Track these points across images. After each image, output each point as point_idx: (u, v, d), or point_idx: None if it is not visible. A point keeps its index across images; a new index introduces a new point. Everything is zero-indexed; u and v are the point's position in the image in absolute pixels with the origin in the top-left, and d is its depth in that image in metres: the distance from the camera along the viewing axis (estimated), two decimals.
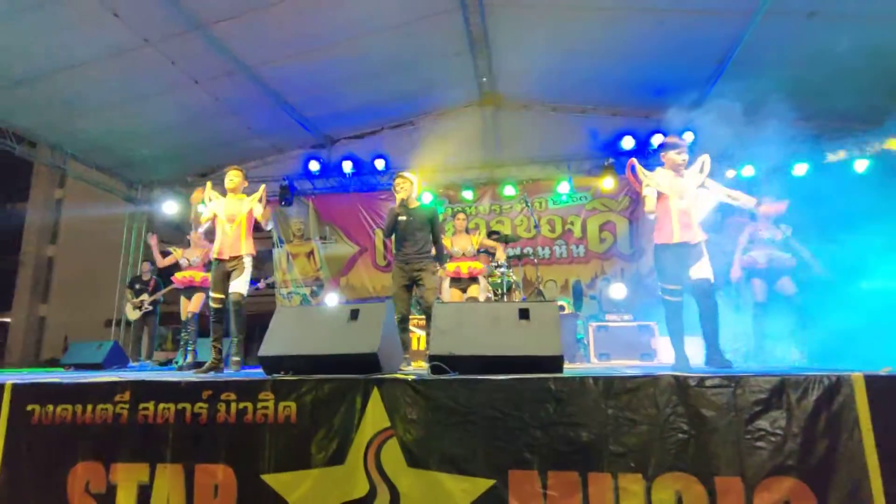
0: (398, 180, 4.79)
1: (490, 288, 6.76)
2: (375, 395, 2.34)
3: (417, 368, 4.22)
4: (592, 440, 2.16)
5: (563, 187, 9.83)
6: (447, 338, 2.68)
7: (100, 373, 4.88)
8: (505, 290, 6.80)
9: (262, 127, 9.60)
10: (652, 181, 3.72)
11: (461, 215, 5.94)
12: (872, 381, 2.02)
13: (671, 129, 9.53)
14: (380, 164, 9.88)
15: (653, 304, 6.15)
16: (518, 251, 9.56)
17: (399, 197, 4.67)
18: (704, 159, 3.70)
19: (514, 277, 7.02)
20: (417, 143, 10.31)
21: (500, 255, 5.89)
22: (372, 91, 9.29)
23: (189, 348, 5.57)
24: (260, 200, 4.50)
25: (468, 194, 10.05)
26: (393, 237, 4.80)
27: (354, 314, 2.80)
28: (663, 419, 2.13)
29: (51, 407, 2.59)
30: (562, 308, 6.45)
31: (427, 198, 9.77)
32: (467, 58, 8.92)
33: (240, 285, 4.25)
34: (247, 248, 4.35)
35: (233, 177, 4.55)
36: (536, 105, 10.21)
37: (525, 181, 10.00)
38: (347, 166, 9.97)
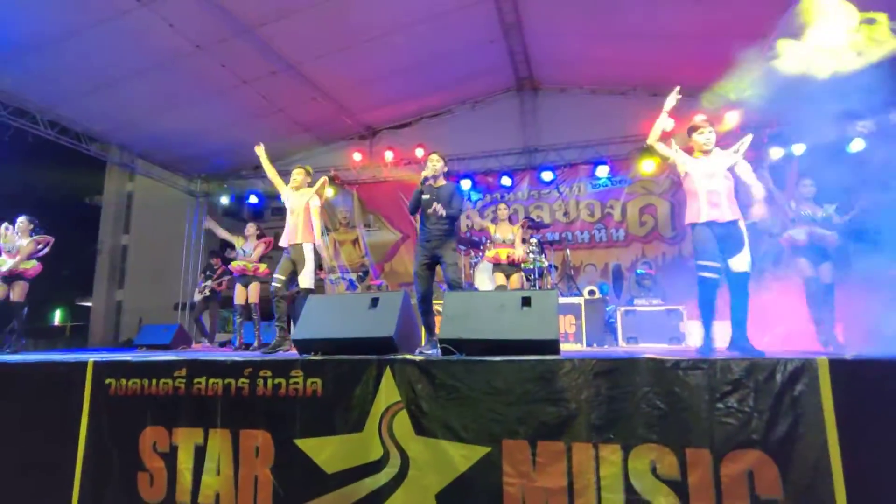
0: (428, 157, 4.79)
1: (523, 273, 6.99)
2: (388, 373, 2.69)
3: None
4: (576, 414, 2.42)
5: (602, 171, 9.83)
6: (455, 323, 2.99)
7: (166, 352, 5.52)
8: (537, 276, 7.00)
9: (307, 121, 10.11)
10: (679, 156, 3.82)
11: (503, 205, 6.20)
12: (836, 365, 2.16)
13: (715, 108, 9.36)
14: (419, 152, 10.18)
15: (682, 287, 6.18)
16: (556, 236, 9.69)
17: (423, 174, 4.67)
18: (745, 140, 3.69)
19: (546, 262, 7.20)
20: (455, 131, 10.56)
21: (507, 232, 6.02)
22: (410, 82, 9.58)
23: (239, 331, 6.24)
24: (318, 192, 5.06)
25: (506, 180, 10.20)
26: (418, 216, 4.81)
27: (374, 302, 3.15)
28: (640, 396, 2.36)
29: (124, 380, 3.09)
30: (591, 293, 6.60)
31: (466, 184, 10.03)
32: (501, 45, 9.05)
33: (305, 279, 4.75)
34: (304, 238, 4.85)
35: (295, 176, 5.16)
36: (574, 88, 10.21)
37: (563, 166, 10.06)
38: (388, 156, 10.36)
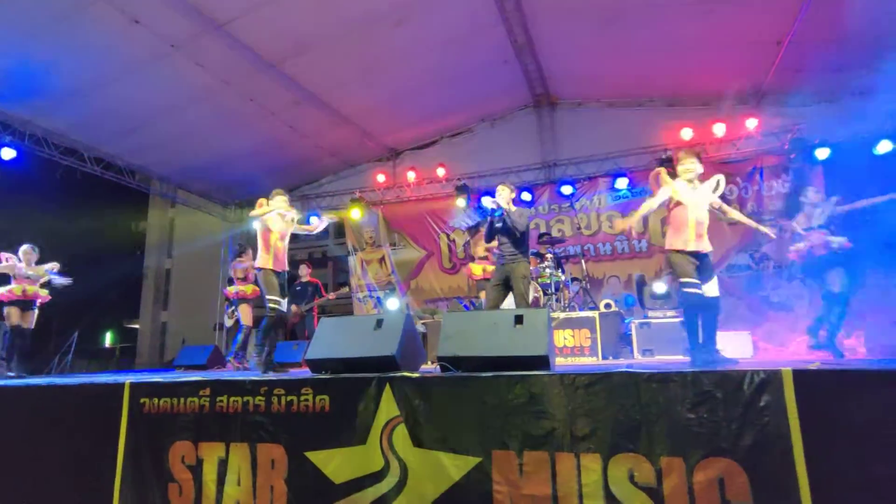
0: (498, 189, 5.37)
1: (539, 288, 7.12)
2: (387, 389, 2.92)
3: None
4: (559, 426, 2.59)
5: (622, 182, 9.88)
6: (453, 342, 3.19)
7: (202, 373, 5.89)
8: (554, 290, 7.12)
9: (332, 146, 10.55)
10: (673, 187, 3.91)
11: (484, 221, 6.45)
12: (799, 375, 2.27)
13: (731, 117, 9.32)
14: (441, 171, 10.47)
15: None
16: (579, 249, 9.78)
17: (490, 204, 5.29)
18: (719, 179, 3.84)
19: (563, 277, 7.31)
20: (476, 149, 10.81)
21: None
22: (429, 104, 9.90)
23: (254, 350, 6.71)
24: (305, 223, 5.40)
25: (526, 196, 10.34)
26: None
27: (379, 323, 3.39)
28: (617, 408, 2.51)
29: (156, 399, 3.42)
30: (608, 306, 6.68)
31: (486, 201, 10.22)
32: (516, 65, 9.28)
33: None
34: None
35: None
36: (591, 102, 10.33)
37: (582, 179, 10.16)
38: (411, 176, 10.69)
